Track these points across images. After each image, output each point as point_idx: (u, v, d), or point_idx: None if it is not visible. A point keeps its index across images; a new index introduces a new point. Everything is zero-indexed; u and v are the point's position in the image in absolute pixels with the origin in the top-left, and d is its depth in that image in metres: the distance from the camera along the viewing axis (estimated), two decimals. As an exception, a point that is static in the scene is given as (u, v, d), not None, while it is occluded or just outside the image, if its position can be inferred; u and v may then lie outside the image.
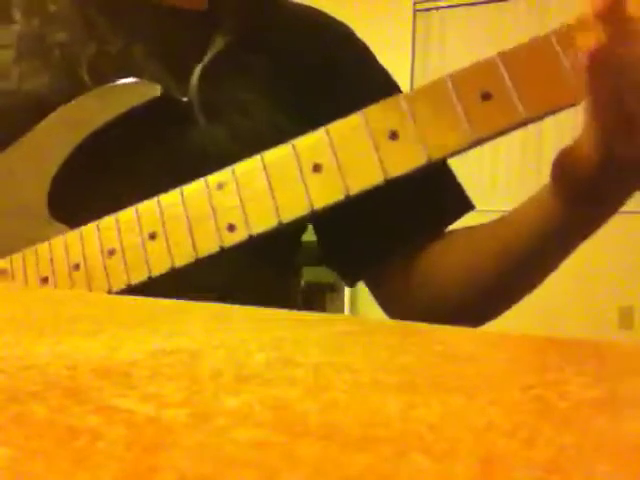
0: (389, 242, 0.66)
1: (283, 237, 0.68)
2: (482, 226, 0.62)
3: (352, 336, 0.26)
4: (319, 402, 0.16)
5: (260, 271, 0.64)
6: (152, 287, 0.52)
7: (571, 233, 0.54)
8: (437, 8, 3.80)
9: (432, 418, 0.15)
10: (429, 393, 0.17)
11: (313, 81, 0.67)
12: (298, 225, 0.69)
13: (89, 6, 0.64)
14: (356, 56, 0.71)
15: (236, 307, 0.31)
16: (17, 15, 0.64)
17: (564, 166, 0.49)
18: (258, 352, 0.21)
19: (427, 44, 3.81)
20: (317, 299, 3.55)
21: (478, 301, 0.63)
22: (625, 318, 3.42)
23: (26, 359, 0.20)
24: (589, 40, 0.41)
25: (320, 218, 0.66)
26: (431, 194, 0.66)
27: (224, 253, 0.51)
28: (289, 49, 0.68)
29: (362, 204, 0.55)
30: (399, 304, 0.68)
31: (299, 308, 0.70)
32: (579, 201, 0.50)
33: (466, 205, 0.68)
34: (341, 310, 3.71)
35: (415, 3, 3.83)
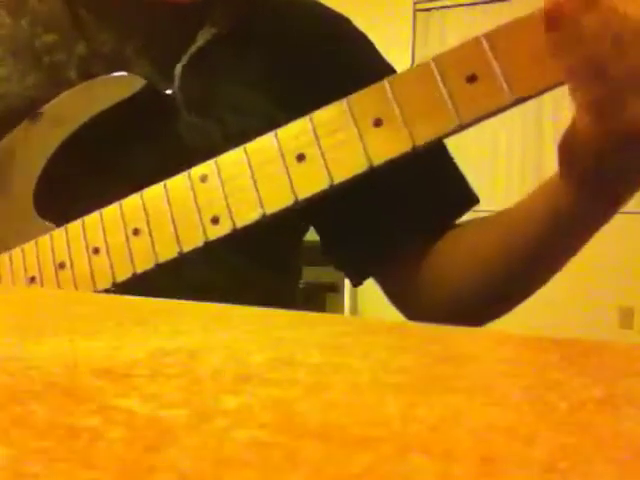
0: (393, 239, 0.65)
1: (284, 239, 0.68)
2: (491, 218, 0.61)
3: (352, 336, 0.26)
4: (319, 402, 0.16)
5: (260, 272, 0.64)
6: (152, 287, 0.52)
7: (579, 223, 0.52)
8: (437, 8, 3.79)
9: (432, 418, 0.15)
10: (429, 393, 0.17)
11: (309, 74, 0.66)
12: (299, 227, 0.69)
13: (78, 4, 0.64)
14: (356, 47, 0.70)
15: (236, 307, 0.31)
16: (4, 15, 0.64)
17: (567, 148, 0.47)
18: (258, 352, 0.21)
19: (427, 44, 3.81)
20: (317, 299, 3.54)
21: (489, 297, 0.62)
22: (625, 318, 3.42)
23: (26, 359, 0.20)
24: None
25: (322, 216, 0.65)
26: (435, 188, 0.65)
27: (227, 254, 0.50)
28: (284, 41, 0.67)
29: (365, 200, 0.53)
30: (413, 304, 0.66)
31: (299, 308, 0.69)
32: (586, 186, 0.49)
33: (471, 198, 0.67)
34: (341, 310, 3.71)
35: (415, 3, 3.82)
